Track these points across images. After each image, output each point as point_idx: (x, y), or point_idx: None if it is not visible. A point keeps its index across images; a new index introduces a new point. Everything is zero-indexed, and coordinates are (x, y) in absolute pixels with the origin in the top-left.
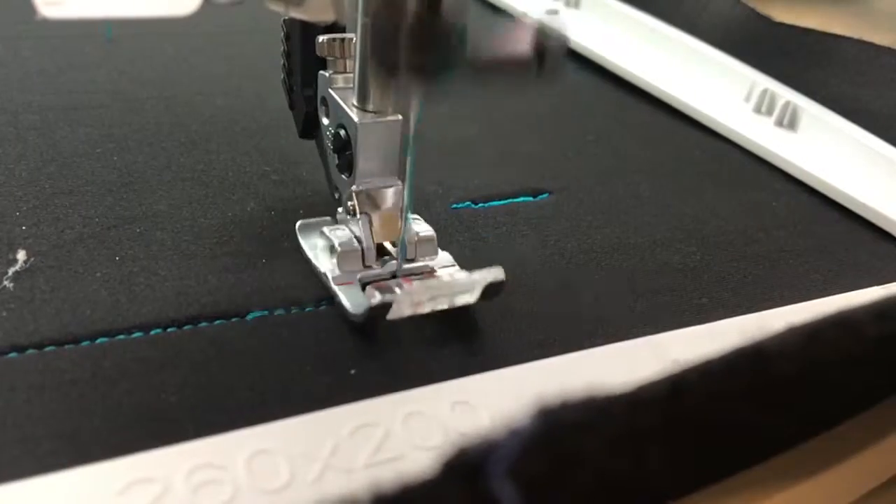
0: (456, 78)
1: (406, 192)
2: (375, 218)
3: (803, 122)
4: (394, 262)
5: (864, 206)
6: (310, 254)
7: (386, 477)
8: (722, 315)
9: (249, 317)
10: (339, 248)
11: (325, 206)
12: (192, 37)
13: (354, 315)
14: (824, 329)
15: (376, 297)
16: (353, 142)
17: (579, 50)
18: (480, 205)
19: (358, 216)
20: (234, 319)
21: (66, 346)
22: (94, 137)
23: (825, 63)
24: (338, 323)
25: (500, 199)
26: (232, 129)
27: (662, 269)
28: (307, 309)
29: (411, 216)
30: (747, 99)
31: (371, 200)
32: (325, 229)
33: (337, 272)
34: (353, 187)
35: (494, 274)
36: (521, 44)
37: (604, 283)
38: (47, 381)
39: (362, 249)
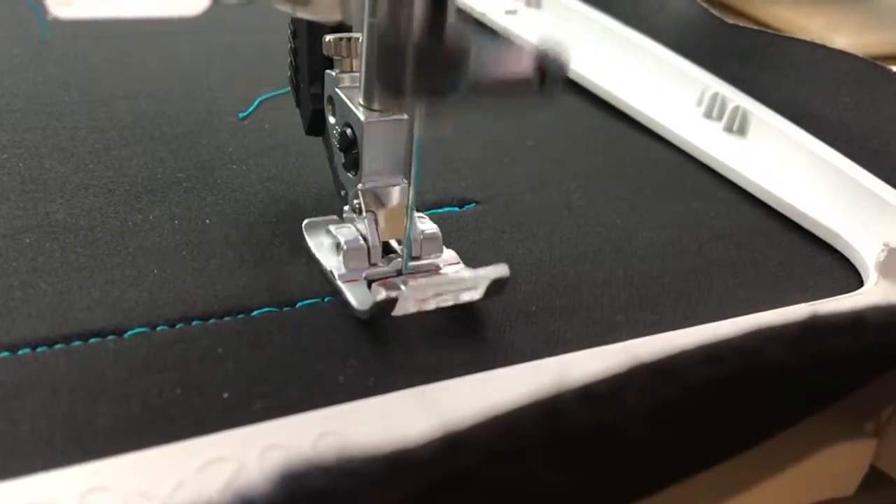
0: (459, 100)
1: (411, 191)
2: (381, 216)
3: (752, 128)
4: (399, 259)
5: (805, 216)
6: (315, 251)
7: None
8: (638, 333)
9: (127, 334)
10: (345, 246)
11: (236, 215)
12: (129, 38)
13: (360, 311)
14: (637, 376)
15: (381, 294)
16: (359, 140)
17: None
18: None
19: (364, 214)
20: (110, 337)
21: None
22: (2, 143)
23: (778, 66)
24: (221, 341)
25: (422, 210)
26: (152, 133)
27: (581, 284)
28: (194, 323)
29: (416, 214)
30: (699, 103)
31: (377, 199)
32: (332, 227)
33: (343, 270)
34: (359, 186)
35: (499, 271)
36: (523, 65)
37: (515, 300)
38: None
39: (368, 247)
